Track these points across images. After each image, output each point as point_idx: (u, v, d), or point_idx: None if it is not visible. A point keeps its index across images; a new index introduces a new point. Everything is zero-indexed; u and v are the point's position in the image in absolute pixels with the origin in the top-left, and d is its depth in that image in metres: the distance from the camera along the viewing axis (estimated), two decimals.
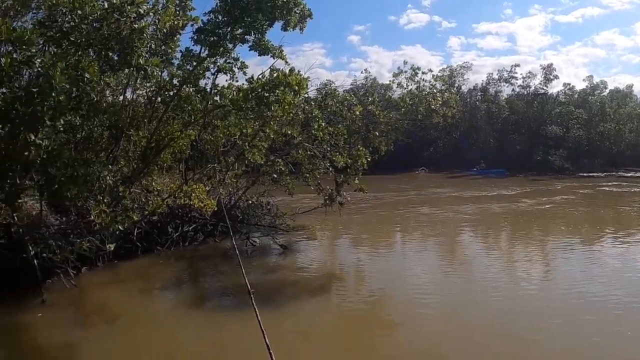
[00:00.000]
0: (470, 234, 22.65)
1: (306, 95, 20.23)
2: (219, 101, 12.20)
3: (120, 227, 11.04)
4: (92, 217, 11.72)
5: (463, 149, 62.83)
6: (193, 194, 12.56)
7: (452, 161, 59.17)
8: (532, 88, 65.01)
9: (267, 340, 3.89)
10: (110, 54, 10.88)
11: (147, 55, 10.72)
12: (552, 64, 64.42)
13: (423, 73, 19.33)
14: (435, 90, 19.23)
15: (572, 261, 16.54)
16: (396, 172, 50.32)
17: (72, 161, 9.76)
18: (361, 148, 17.80)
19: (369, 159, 17.75)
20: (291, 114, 12.76)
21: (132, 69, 10.82)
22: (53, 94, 8.36)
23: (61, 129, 9.87)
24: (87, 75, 10.43)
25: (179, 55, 14.56)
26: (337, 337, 11.00)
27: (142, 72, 11.31)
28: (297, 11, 14.47)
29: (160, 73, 15.62)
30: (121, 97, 15.35)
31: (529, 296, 12.74)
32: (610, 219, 25.91)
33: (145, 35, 10.62)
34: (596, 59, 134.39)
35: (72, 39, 10.78)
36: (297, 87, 11.09)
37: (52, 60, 9.00)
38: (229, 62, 15.33)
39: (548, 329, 10.32)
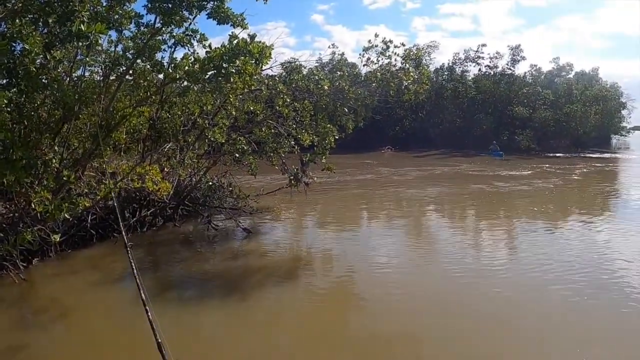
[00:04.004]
0: (434, 213, 22.51)
1: (270, 72, 19.39)
2: (173, 73, 11.16)
3: (66, 215, 9.97)
4: (33, 206, 10.64)
5: (429, 129, 62.69)
6: (147, 177, 11.52)
7: (418, 140, 59.01)
8: (499, 68, 64.81)
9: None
10: (49, 20, 9.75)
11: (88, 21, 9.58)
12: (519, 45, 64.25)
13: (395, 47, 18.37)
14: (407, 66, 18.33)
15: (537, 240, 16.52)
16: (361, 151, 49.93)
17: (10, 143, 8.72)
18: (329, 125, 17.03)
19: (336, 137, 17.02)
20: (253, 86, 11.85)
21: (74, 38, 9.69)
22: None
23: (2, 106, 8.88)
24: (26, 46, 9.45)
25: (133, 28, 13.60)
26: (306, 323, 10.42)
27: (86, 42, 10.17)
28: None
29: (114, 47, 14.65)
30: (74, 72, 14.23)
31: (493, 273, 12.84)
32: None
33: None
34: (559, 43, 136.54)
35: (8, 4, 9.68)
36: (258, 56, 10.17)
37: None
38: (187, 34, 14.32)
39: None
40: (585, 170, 39.28)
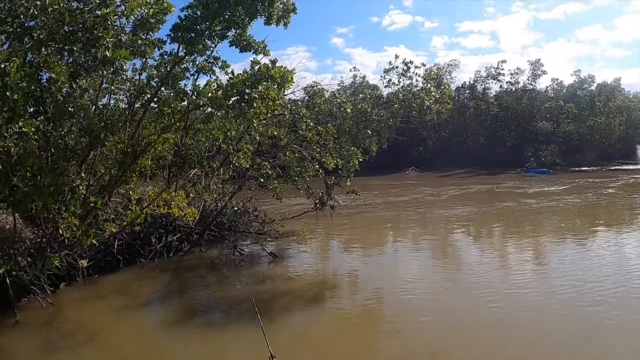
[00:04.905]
0: (461, 233, 22.15)
1: (293, 96, 19.49)
2: (196, 100, 11.29)
3: (93, 241, 10.02)
4: (61, 231, 10.75)
5: (452, 148, 62.27)
6: (173, 202, 11.56)
7: (442, 160, 58.54)
8: (521, 84, 64.34)
9: None
10: (75, 48, 9.90)
11: (113, 48, 9.72)
12: (539, 59, 63.90)
13: (416, 67, 18.44)
14: (429, 86, 18.32)
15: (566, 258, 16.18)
16: (385, 172, 49.67)
17: (38, 170, 8.83)
18: (352, 148, 17.02)
19: (360, 160, 17.01)
20: (276, 111, 11.89)
21: (99, 64, 9.84)
22: (7, 93, 7.44)
23: (31, 134, 9.00)
24: (53, 74, 9.60)
25: (157, 56, 13.82)
26: (333, 346, 10.33)
27: (111, 68, 10.32)
28: (280, 4, 13.70)
29: (138, 75, 14.87)
30: (99, 101, 14.45)
31: (522, 295, 12.46)
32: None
33: (109, 22, 9.64)
34: (580, 55, 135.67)
35: (34, 35, 9.85)
36: (280, 81, 10.23)
37: (8, 56, 8.07)
38: (209, 62, 14.48)
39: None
40: (620, 183, 38.71)
